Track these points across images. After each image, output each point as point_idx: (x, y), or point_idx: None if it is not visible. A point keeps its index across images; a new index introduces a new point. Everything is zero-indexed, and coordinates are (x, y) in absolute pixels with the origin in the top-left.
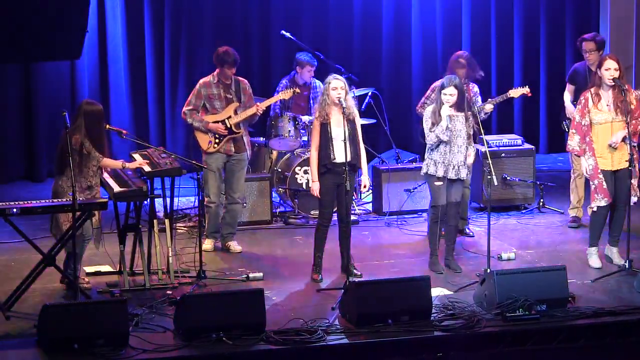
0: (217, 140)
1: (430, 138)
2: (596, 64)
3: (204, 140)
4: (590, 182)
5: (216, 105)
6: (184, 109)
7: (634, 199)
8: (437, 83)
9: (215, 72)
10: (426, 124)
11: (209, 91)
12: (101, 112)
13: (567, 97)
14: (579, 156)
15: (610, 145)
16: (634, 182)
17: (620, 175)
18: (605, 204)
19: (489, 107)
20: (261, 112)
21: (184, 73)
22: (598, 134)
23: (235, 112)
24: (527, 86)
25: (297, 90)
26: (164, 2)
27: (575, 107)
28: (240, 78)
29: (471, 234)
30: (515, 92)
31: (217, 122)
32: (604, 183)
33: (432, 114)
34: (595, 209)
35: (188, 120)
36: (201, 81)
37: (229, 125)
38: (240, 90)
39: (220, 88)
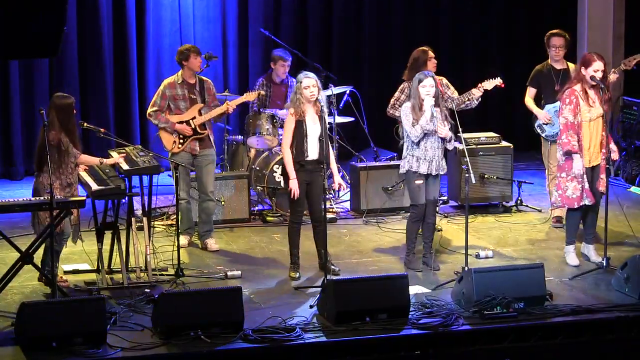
0: (181, 141)
1: (415, 131)
2: (560, 62)
3: (168, 141)
4: (577, 182)
5: (180, 105)
6: (149, 110)
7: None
8: (406, 84)
9: (179, 72)
10: (407, 120)
11: (173, 92)
12: (72, 104)
13: (531, 102)
14: (577, 154)
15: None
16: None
17: (595, 172)
18: (589, 204)
19: (477, 92)
20: (231, 111)
21: (167, 72)
22: (587, 131)
23: (200, 113)
24: (499, 77)
25: (262, 92)
26: None
27: (543, 108)
28: (204, 78)
29: (439, 227)
30: (489, 84)
31: (181, 122)
32: (586, 184)
33: (412, 110)
34: (577, 207)
35: (153, 121)
36: (165, 82)
37: (193, 126)
38: (205, 90)
39: (184, 88)
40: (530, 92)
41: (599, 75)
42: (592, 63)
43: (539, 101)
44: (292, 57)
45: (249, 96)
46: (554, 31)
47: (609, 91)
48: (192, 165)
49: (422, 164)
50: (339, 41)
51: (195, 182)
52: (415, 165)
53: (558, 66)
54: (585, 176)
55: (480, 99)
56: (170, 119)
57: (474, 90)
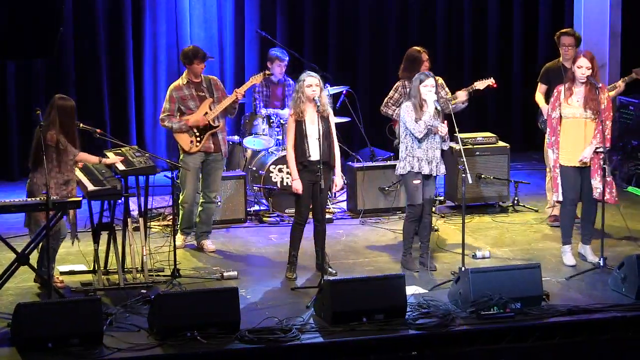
0: (198, 139)
1: (418, 126)
2: (572, 60)
3: (185, 141)
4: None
5: (191, 105)
6: (161, 115)
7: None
8: (400, 83)
9: (183, 74)
10: (409, 117)
11: (180, 94)
12: (74, 107)
13: (540, 98)
14: (548, 148)
15: (581, 160)
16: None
17: (587, 173)
18: (561, 199)
19: (461, 94)
20: (241, 97)
21: (164, 73)
22: (566, 128)
23: (210, 108)
24: (491, 77)
25: (268, 72)
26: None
27: None
28: (210, 76)
29: (435, 227)
30: (481, 84)
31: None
32: (559, 178)
33: (414, 109)
34: (556, 203)
35: (167, 125)
36: (171, 86)
37: (207, 122)
38: (212, 86)
39: (191, 88)
40: (541, 88)
41: (581, 72)
42: (577, 60)
43: (549, 99)
44: (289, 56)
45: (256, 78)
46: (564, 30)
47: (601, 91)
48: (202, 165)
49: (423, 164)
50: (335, 41)
51: (200, 185)
52: (417, 166)
53: (568, 65)
54: (557, 172)
55: (466, 104)
56: (183, 118)
57: (458, 93)
